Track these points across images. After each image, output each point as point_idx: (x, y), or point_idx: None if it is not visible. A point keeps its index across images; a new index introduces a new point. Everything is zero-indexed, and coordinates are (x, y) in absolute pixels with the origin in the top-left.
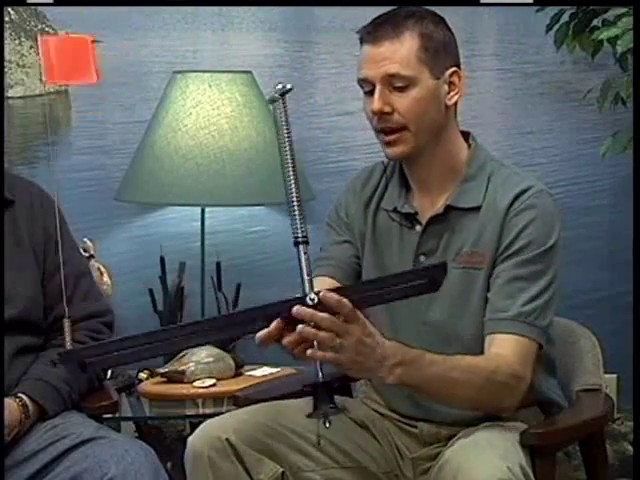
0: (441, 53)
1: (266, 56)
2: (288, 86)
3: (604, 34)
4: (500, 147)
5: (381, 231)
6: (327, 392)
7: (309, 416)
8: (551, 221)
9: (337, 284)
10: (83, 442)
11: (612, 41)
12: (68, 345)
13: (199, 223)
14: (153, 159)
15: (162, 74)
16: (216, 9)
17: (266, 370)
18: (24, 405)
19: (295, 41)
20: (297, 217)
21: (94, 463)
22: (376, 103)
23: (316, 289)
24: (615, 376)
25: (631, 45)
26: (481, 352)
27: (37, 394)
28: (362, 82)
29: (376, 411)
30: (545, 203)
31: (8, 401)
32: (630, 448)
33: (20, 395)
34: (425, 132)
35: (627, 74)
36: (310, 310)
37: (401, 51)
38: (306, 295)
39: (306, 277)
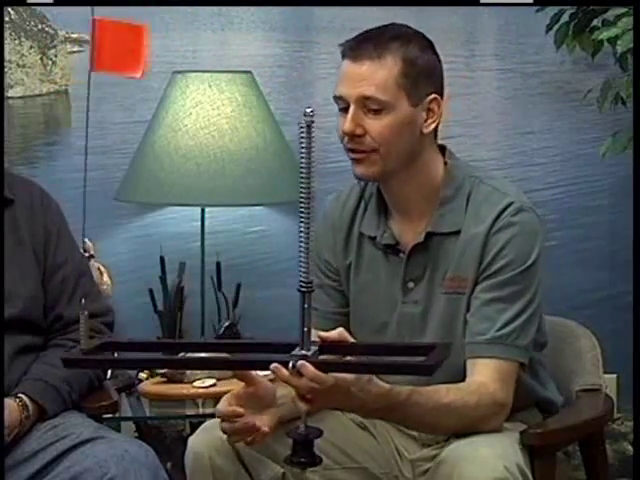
0: (422, 80)
1: (266, 56)
2: (308, 110)
3: (604, 34)
4: (500, 147)
5: (367, 258)
6: (307, 443)
7: (285, 461)
8: (531, 239)
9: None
10: (83, 442)
11: (612, 41)
12: (82, 342)
13: (199, 223)
14: (153, 159)
15: (162, 74)
16: (216, 9)
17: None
18: (24, 405)
19: (295, 41)
20: (305, 266)
21: (94, 463)
22: (348, 124)
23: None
24: (615, 376)
25: (631, 45)
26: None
27: (37, 394)
28: (337, 99)
29: None
30: (524, 220)
31: (8, 401)
32: (630, 448)
33: (20, 395)
34: (395, 158)
35: (627, 74)
36: (285, 373)
37: (380, 74)
38: (296, 346)
39: (304, 329)
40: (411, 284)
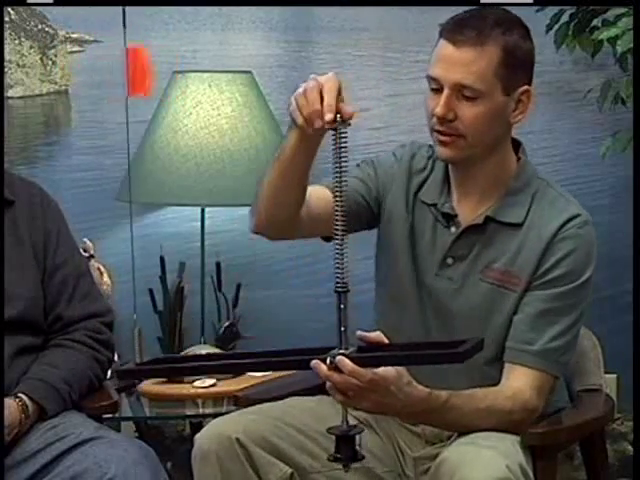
0: (519, 70)
1: (266, 56)
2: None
3: (604, 34)
4: None
5: (418, 218)
6: (349, 441)
7: (329, 459)
8: (590, 254)
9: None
10: (83, 442)
11: (612, 41)
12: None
13: (199, 223)
14: (153, 159)
15: (162, 74)
16: (216, 9)
17: None
18: (24, 405)
19: (295, 41)
20: (341, 266)
21: (94, 463)
22: (441, 108)
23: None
24: (615, 376)
25: (631, 45)
26: (496, 373)
27: (37, 394)
28: (431, 79)
29: None
30: (587, 234)
31: (8, 401)
32: (630, 448)
33: (20, 395)
34: (480, 145)
35: (627, 74)
36: (324, 369)
37: (480, 63)
38: (334, 347)
39: (341, 329)
40: (450, 260)
